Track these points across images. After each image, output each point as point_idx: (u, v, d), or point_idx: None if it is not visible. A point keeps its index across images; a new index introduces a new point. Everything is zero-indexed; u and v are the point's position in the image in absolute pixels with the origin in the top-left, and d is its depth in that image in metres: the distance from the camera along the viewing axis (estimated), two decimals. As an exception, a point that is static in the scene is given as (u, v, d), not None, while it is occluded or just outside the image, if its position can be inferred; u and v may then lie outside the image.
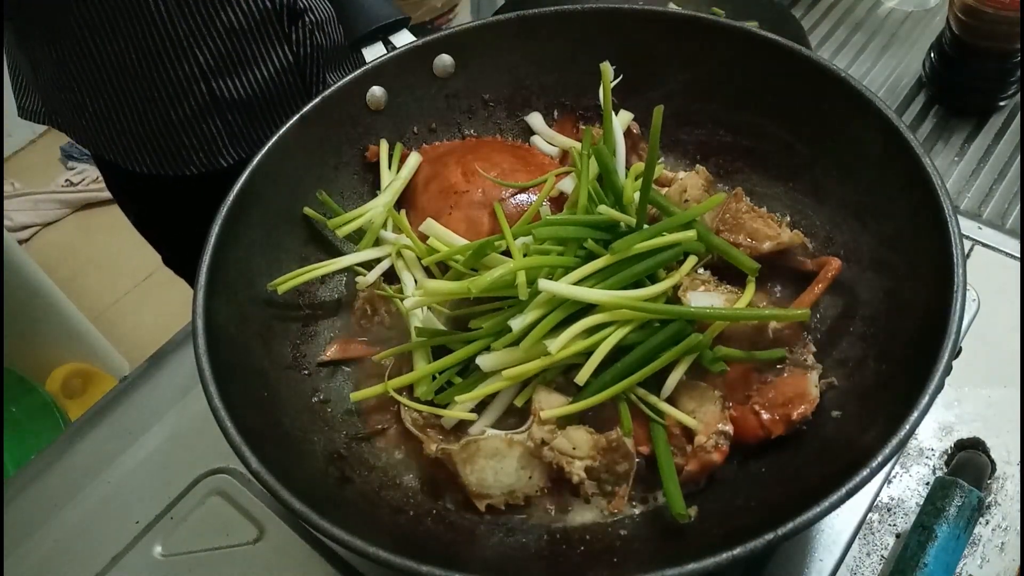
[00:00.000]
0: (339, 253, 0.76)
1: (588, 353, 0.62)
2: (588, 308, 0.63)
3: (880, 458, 0.49)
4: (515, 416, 0.66)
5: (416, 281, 0.73)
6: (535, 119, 0.85)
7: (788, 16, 1.06)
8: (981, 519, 0.67)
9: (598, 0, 0.83)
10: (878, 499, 0.69)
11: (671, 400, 0.63)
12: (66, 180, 2.60)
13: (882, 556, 0.66)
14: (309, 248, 0.76)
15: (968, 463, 0.69)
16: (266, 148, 0.71)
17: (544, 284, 0.62)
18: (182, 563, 0.72)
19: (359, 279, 0.74)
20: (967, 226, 0.85)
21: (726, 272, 0.69)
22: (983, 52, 0.98)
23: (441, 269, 0.74)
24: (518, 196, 0.76)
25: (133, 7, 0.87)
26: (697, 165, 0.78)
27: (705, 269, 0.70)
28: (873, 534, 0.68)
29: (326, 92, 0.76)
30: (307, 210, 0.76)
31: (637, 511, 0.61)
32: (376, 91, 0.79)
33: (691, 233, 0.66)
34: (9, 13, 0.94)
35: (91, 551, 0.73)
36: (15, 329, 1.69)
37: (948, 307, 0.55)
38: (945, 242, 0.59)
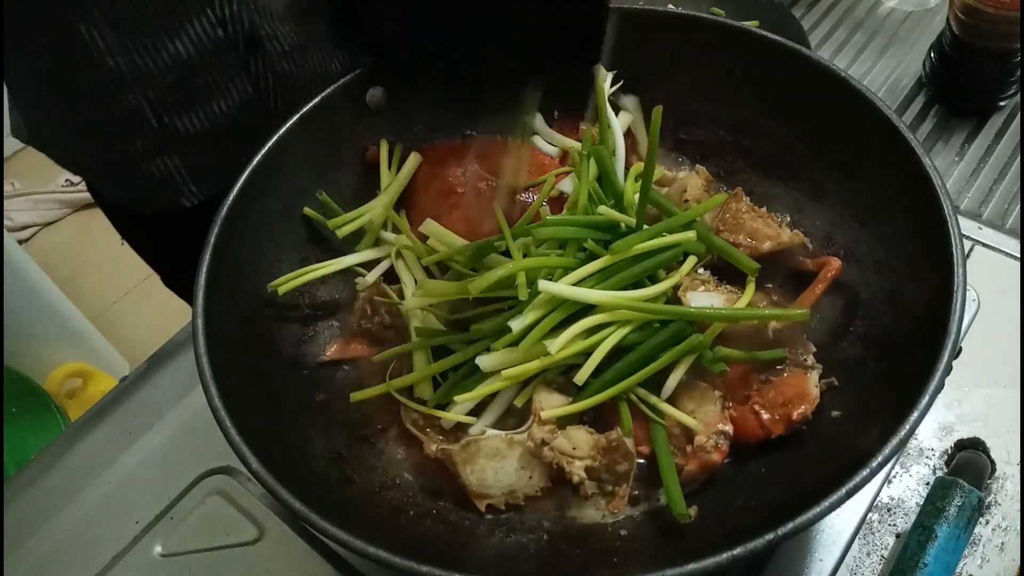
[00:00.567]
0: (339, 253, 0.76)
1: (588, 353, 0.62)
2: (588, 308, 0.63)
3: (880, 458, 0.49)
4: (515, 416, 0.66)
5: (416, 281, 0.73)
6: (535, 119, 0.85)
7: (788, 16, 1.06)
8: (981, 519, 0.67)
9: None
10: (878, 499, 0.69)
11: (671, 400, 0.63)
12: (66, 180, 2.59)
13: (882, 556, 0.66)
14: (309, 248, 0.76)
15: (968, 463, 0.69)
16: (266, 148, 0.71)
17: (544, 284, 0.62)
18: (182, 563, 0.72)
19: (359, 279, 0.74)
20: (967, 226, 0.85)
21: (726, 272, 0.69)
22: (983, 52, 0.98)
23: (441, 269, 0.74)
24: (518, 196, 0.76)
25: (70, 39, 0.78)
26: (697, 165, 0.78)
27: (705, 269, 0.70)
28: (873, 534, 0.68)
29: (326, 92, 0.76)
30: (307, 210, 0.76)
31: (637, 511, 0.61)
32: (376, 91, 0.79)
33: (691, 233, 0.66)
34: None
35: (91, 551, 0.73)
36: (15, 329, 1.69)
37: (948, 307, 0.55)
38: (945, 242, 0.58)
